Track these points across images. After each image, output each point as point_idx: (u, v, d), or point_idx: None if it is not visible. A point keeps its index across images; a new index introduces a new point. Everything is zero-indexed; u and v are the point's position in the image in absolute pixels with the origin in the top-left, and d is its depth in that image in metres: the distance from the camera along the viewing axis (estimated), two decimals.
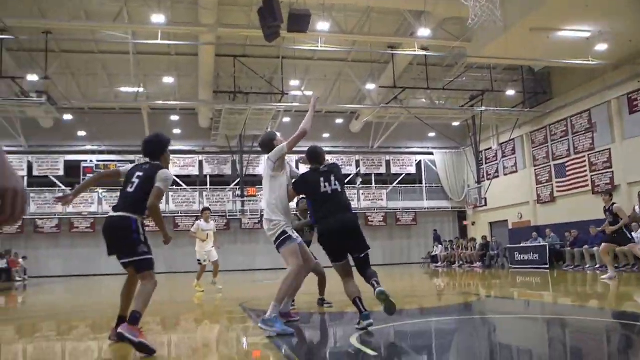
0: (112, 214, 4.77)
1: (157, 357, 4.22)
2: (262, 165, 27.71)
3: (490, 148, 27.34)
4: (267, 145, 5.72)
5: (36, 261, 24.76)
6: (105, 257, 5.03)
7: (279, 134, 5.95)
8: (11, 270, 22.44)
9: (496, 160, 26.96)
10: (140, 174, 4.86)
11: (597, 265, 15.82)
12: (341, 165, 28.28)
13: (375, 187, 29.21)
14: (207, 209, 12.29)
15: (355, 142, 28.91)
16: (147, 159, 5.07)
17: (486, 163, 27.73)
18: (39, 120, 24.69)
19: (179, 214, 26.68)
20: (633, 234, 12.50)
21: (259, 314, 6.27)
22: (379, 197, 28.76)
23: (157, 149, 5.12)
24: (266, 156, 5.72)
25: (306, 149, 6.07)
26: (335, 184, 5.47)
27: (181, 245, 26.66)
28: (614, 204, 11.24)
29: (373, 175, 29.37)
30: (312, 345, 4.99)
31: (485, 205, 26.26)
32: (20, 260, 23.48)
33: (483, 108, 23.90)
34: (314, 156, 5.89)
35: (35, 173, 25.98)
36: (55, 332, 6.09)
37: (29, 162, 25.92)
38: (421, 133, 28.37)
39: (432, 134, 28.60)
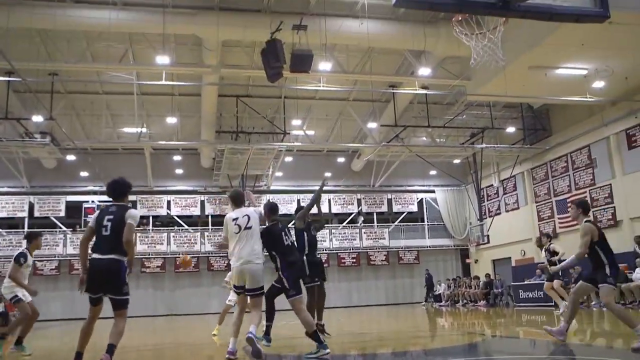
0: (99, 256, 5.30)
1: None
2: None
3: (492, 185, 27.41)
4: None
5: (35, 304, 24.46)
6: (105, 299, 5.43)
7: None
8: (8, 314, 22.16)
9: (498, 197, 27.00)
10: (110, 217, 5.40)
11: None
12: (343, 203, 28.43)
13: (377, 225, 29.12)
14: None
15: (356, 181, 28.96)
16: (112, 200, 5.60)
17: (488, 200, 27.75)
18: (41, 161, 24.86)
19: (180, 255, 26.51)
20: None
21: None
22: (381, 235, 28.67)
23: (124, 191, 5.75)
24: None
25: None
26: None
27: (182, 286, 26.64)
28: (551, 244, 12.67)
29: (375, 213, 29.30)
30: None
31: (488, 242, 26.14)
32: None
33: (483, 145, 24.06)
34: (274, 210, 7.07)
35: (36, 214, 25.95)
36: None
37: (30, 202, 25.93)
38: (422, 171, 28.46)
39: (433, 172, 28.67)
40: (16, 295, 8.30)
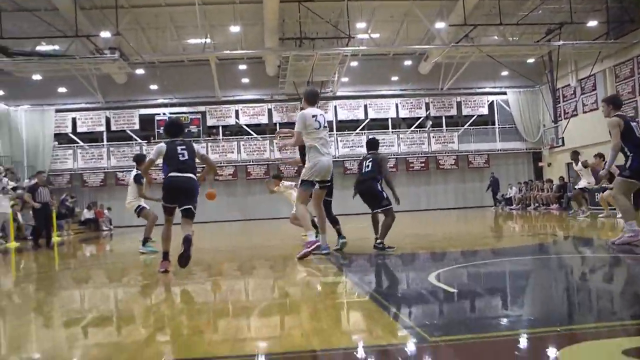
0: (178, 174, 6.16)
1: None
2: (330, 112, 27.89)
3: (568, 85, 25.99)
4: None
5: (119, 212, 26.18)
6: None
7: None
8: (98, 220, 23.96)
9: (575, 97, 25.66)
10: (183, 147, 6.30)
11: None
12: (410, 108, 27.95)
13: (446, 129, 28.64)
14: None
15: (424, 84, 28.26)
16: (171, 137, 6.45)
17: (563, 101, 26.46)
18: (113, 76, 25.66)
19: (250, 163, 27.32)
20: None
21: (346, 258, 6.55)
22: (450, 139, 28.25)
23: (181, 129, 6.70)
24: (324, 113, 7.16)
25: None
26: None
27: (253, 193, 27.61)
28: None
29: (443, 117, 28.75)
30: (393, 284, 5.11)
31: (563, 145, 25.26)
32: (105, 211, 24.99)
33: (561, 42, 22.63)
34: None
35: (112, 128, 27.21)
36: (141, 276, 6.50)
37: (106, 117, 27.15)
38: (493, 72, 27.38)
39: (505, 73, 27.52)
40: (139, 206, 9.88)
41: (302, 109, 7.10)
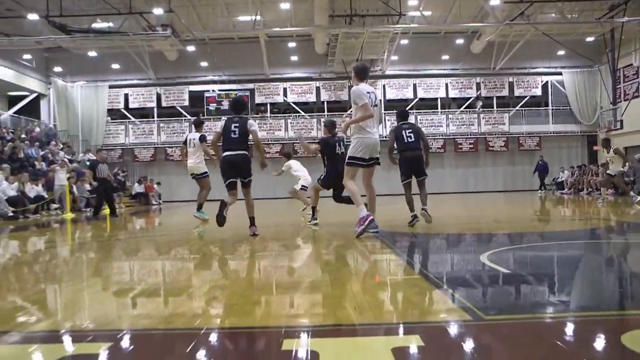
0: (231, 152, 7.11)
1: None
2: (379, 91, 27.66)
3: (631, 65, 24.86)
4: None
5: (169, 186, 26.92)
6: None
7: None
8: (148, 194, 24.62)
9: (637, 78, 24.58)
10: (237, 124, 7.14)
11: None
12: (461, 88, 27.44)
13: (497, 110, 28.00)
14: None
15: (475, 64, 27.66)
16: (234, 114, 7.35)
17: (624, 82, 25.38)
18: (164, 53, 26.06)
19: (297, 141, 27.38)
20: None
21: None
22: (501, 120, 27.63)
23: (243, 107, 7.57)
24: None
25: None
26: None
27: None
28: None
29: (494, 98, 28.11)
30: (444, 263, 5.10)
31: (621, 128, 24.34)
32: (155, 185, 25.64)
33: (625, 19, 21.62)
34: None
35: (163, 104, 27.70)
36: (189, 251, 6.65)
37: (157, 93, 27.66)
38: (549, 51, 26.48)
39: (561, 52, 26.59)
40: (206, 172, 10.80)
41: (350, 87, 7.12)
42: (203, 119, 11.61)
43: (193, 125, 11.61)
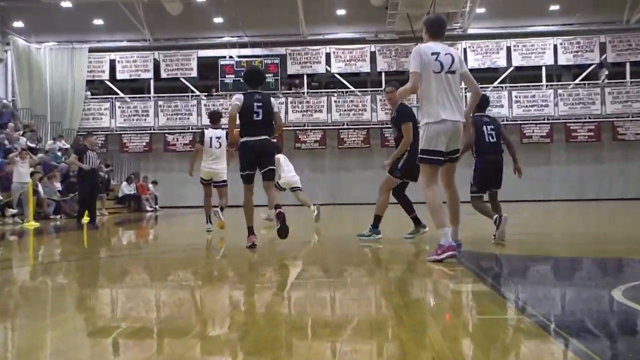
0: (254, 138, 7.84)
1: None
2: (457, 58, 27.13)
3: None
4: None
5: (168, 187, 26.97)
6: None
7: None
8: (140, 197, 24.79)
9: None
10: (259, 104, 7.91)
11: None
12: (577, 51, 26.85)
13: (631, 82, 27.22)
14: None
15: (599, 15, 26.98)
16: (253, 89, 8.10)
17: None
18: (164, 5, 26.02)
19: (345, 126, 27.13)
20: None
21: None
22: (637, 97, 26.89)
23: (263, 79, 8.35)
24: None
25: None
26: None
27: (347, 167, 27.47)
28: None
29: (627, 64, 27.40)
30: (558, 298, 4.96)
31: None
32: (150, 185, 25.81)
33: None
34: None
35: (163, 75, 27.93)
36: (191, 276, 6.53)
37: (155, 60, 27.91)
38: None
39: None
40: (226, 180, 11.55)
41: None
42: (219, 110, 12.31)
43: (209, 120, 12.09)
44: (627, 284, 4.91)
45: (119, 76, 28.06)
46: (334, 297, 5.00)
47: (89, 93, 28.20)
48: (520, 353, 3.09)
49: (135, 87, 28.65)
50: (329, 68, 27.78)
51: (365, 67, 27.92)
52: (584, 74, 27.42)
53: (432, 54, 6.35)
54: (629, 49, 27.05)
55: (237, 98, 8.00)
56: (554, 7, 26.98)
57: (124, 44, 27.90)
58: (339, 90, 27.93)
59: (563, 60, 27.43)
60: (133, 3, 25.04)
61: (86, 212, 15.09)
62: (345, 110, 27.43)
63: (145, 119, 27.71)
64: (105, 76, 28.18)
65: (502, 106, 26.78)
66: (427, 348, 3.08)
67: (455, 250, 6.28)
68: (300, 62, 27.79)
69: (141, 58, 27.86)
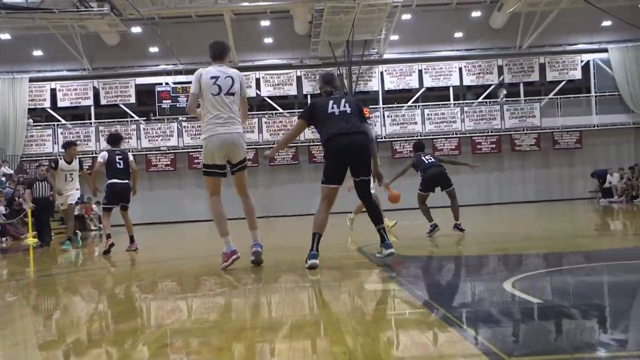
0: (117, 181, 10.35)
1: None
2: (375, 80, 27.70)
3: None
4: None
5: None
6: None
7: None
8: (84, 217, 24.28)
9: None
10: (120, 156, 10.42)
11: None
12: (478, 73, 27.57)
13: (525, 100, 28.19)
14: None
15: (497, 42, 27.85)
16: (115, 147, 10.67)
17: None
18: (102, 36, 25.89)
19: (274, 145, 27.16)
20: None
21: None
22: (530, 113, 27.79)
23: (120, 138, 11.18)
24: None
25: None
26: (345, 106, 6.62)
27: (279, 182, 27.56)
28: None
29: (521, 84, 28.39)
30: (459, 293, 5.11)
31: None
32: (94, 206, 25.30)
33: None
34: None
35: (103, 101, 27.53)
36: (139, 291, 6.48)
37: (94, 88, 27.42)
38: (590, 23, 26.83)
39: (606, 23, 26.94)
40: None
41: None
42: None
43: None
44: (518, 276, 5.18)
45: (60, 104, 27.46)
46: (259, 302, 4.95)
47: (31, 120, 27.53)
48: (424, 343, 3.11)
49: (76, 114, 28.13)
50: (259, 92, 27.76)
51: (292, 90, 28.04)
52: (486, 93, 28.21)
53: (212, 77, 6.57)
54: (522, 71, 28.02)
55: (102, 155, 10.50)
56: (458, 34, 27.79)
57: (64, 73, 27.33)
58: (269, 112, 27.95)
59: (467, 81, 28.19)
60: (71, 34, 24.60)
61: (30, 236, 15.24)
62: (275, 130, 27.45)
63: (87, 144, 27.18)
64: (47, 104, 27.55)
65: (415, 123, 27.35)
66: (339, 344, 3.10)
67: (236, 254, 6.60)
68: None
69: (81, 86, 27.33)
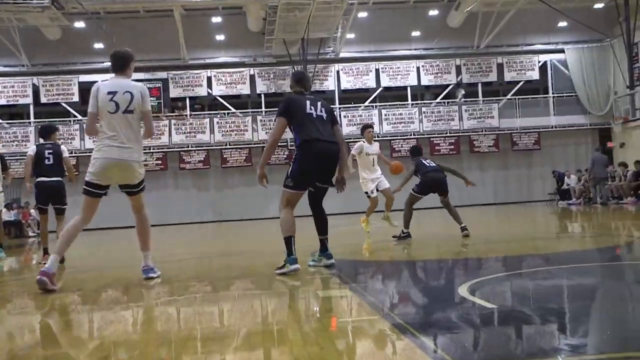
0: (45, 179, 9.20)
1: None
2: (332, 80, 27.34)
3: None
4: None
5: (50, 212, 25.48)
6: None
7: None
8: (22, 223, 23.41)
9: None
10: (50, 150, 9.25)
11: None
12: (437, 73, 27.56)
13: (483, 100, 28.23)
14: (370, 125, 12.45)
15: (455, 41, 27.88)
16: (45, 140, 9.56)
17: None
18: (42, 31, 25.12)
19: (228, 146, 26.63)
20: None
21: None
22: (488, 113, 27.85)
23: (53, 132, 9.82)
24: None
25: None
26: (321, 111, 6.50)
27: (231, 185, 27.00)
28: None
29: (480, 85, 28.42)
30: (413, 299, 5.17)
31: None
32: (32, 211, 24.36)
33: None
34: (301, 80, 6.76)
35: (43, 100, 26.67)
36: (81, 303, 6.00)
37: (34, 85, 26.57)
38: (548, 23, 27.14)
39: (563, 24, 27.24)
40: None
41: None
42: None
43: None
44: (474, 280, 5.29)
45: None
46: (214, 310, 4.93)
47: None
48: (374, 352, 3.21)
49: (14, 112, 27.23)
50: (210, 91, 27.33)
51: (245, 90, 27.66)
52: (444, 94, 28.17)
53: (109, 93, 6.06)
54: (480, 71, 28.14)
55: (32, 149, 9.49)
56: (416, 33, 27.79)
57: (0, 69, 26.36)
58: (221, 112, 27.47)
59: (425, 81, 28.15)
60: (8, 28, 23.84)
61: None
62: (227, 131, 26.99)
63: (25, 145, 25.99)
64: None
65: (373, 123, 26.99)
66: (287, 354, 3.14)
67: (53, 273, 5.91)
68: (182, 86, 27.19)
69: (19, 83, 26.41)
